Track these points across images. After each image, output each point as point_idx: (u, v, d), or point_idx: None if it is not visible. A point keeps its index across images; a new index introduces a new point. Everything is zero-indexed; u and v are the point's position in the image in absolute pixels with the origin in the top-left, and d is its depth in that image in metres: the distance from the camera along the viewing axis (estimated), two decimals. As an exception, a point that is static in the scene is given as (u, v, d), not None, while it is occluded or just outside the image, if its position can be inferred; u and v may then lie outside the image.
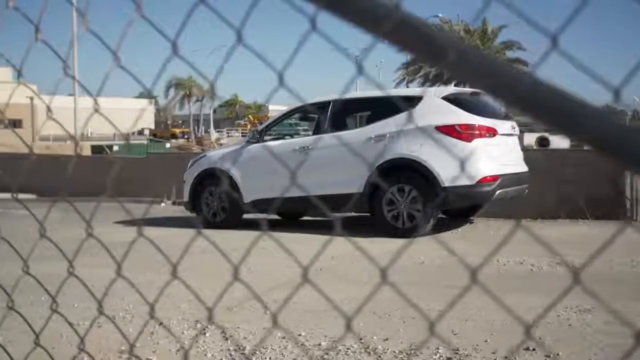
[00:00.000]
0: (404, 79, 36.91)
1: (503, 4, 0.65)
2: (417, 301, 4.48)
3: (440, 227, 8.16)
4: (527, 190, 8.59)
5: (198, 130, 64.39)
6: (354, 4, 0.72)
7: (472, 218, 9.24)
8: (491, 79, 0.67)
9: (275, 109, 64.60)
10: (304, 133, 12.72)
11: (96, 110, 1.02)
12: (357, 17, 0.72)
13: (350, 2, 0.72)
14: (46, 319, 1.73)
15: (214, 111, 72.57)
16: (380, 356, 3.61)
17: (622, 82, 0.64)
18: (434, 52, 0.69)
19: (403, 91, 13.47)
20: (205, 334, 4.18)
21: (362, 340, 3.86)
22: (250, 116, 70.08)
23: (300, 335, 4.02)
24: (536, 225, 8.79)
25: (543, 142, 18.65)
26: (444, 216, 8.91)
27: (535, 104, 0.65)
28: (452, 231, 8.40)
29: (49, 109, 1.02)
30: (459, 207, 8.38)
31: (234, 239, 6.36)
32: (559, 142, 19.64)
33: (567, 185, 9.43)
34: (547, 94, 0.65)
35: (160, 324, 4.39)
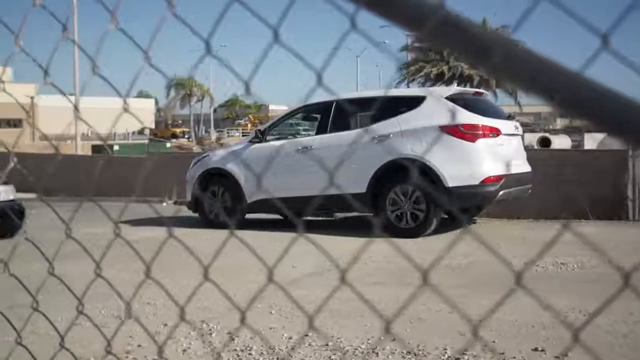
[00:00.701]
0: (405, 79, 36.84)
1: (553, 3, 0.64)
2: (426, 302, 4.45)
3: (443, 227, 8.14)
4: (530, 191, 8.58)
5: (198, 130, 64.37)
6: (396, 2, 0.70)
7: (475, 218, 9.22)
8: (537, 79, 0.66)
9: (276, 109, 64.57)
10: (304, 133, 12.70)
11: (125, 110, 1.00)
12: (399, 15, 0.71)
13: (392, 0, 0.71)
14: (71, 321, 1.71)
15: (214, 111, 72.56)
16: (388, 357, 3.60)
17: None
18: (478, 52, 0.68)
19: (407, 91, 13.45)
20: (211, 334, 4.17)
21: (369, 341, 3.85)
22: (250, 116, 70.10)
23: (307, 335, 4.00)
24: (540, 226, 8.78)
25: (545, 142, 18.64)
26: (446, 216, 8.90)
27: (585, 105, 0.64)
28: (455, 231, 8.38)
29: (75, 108, 1.00)
30: (462, 207, 8.36)
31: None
32: (559, 142, 19.63)
33: (568, 185, 9.42)
34: (595, 94, 0.64)
35: (165, 324, 4.38)
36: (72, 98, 27.73)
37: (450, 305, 1.02)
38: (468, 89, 9.06)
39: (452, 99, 8.08)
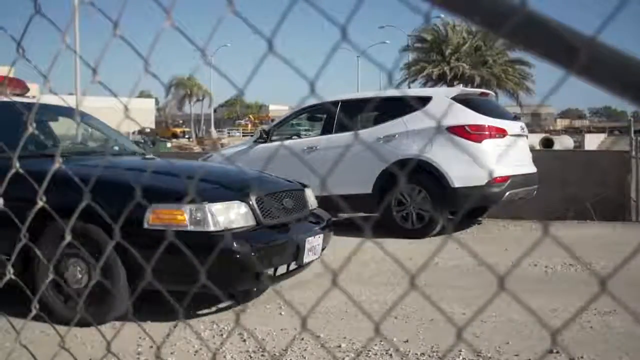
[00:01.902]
0: (406, 79, 36.81)
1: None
2: (438, 304, 4.41)
3: (447, 228, 8.13)
4: (536, 191, 8.58)
5: (199, 130, 64.31)
6: (473, 1, 0.68)
7: (480, 219, 9.21)
8: (625, 79, 0.64)
9: (276, 109, 64.55)
10: (305, 133, 12.67)
11: (163, 109, 0.98)
12: (476, 14, 0.69)
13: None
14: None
15: (215, 111, 72.53)
16: (402, 358, 3.58)
17: None
18: (562, 54, 0.66)
19: (412, 91, 13.44)
20: (222, 335, 4.14)
21: (382, 342, 3.82)
22: (251, 116, 70.18)
23: (319, 337, 3.98)
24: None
25: (547, 142, 18.65)
26: (452, 217, 8.88)
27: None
28: (461, 232, 8.38)
29: (126, 108, 0.99)
30: (468, 207, 8.35)
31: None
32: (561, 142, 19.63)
33: (572, 186, 9.40)
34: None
35: (175, 325, 4.35)
36: (72, 98, 27.72)
37: (527, 311, 1.00)
38: (473, 89, 9.03)
39: (457, 99, 8.06)
